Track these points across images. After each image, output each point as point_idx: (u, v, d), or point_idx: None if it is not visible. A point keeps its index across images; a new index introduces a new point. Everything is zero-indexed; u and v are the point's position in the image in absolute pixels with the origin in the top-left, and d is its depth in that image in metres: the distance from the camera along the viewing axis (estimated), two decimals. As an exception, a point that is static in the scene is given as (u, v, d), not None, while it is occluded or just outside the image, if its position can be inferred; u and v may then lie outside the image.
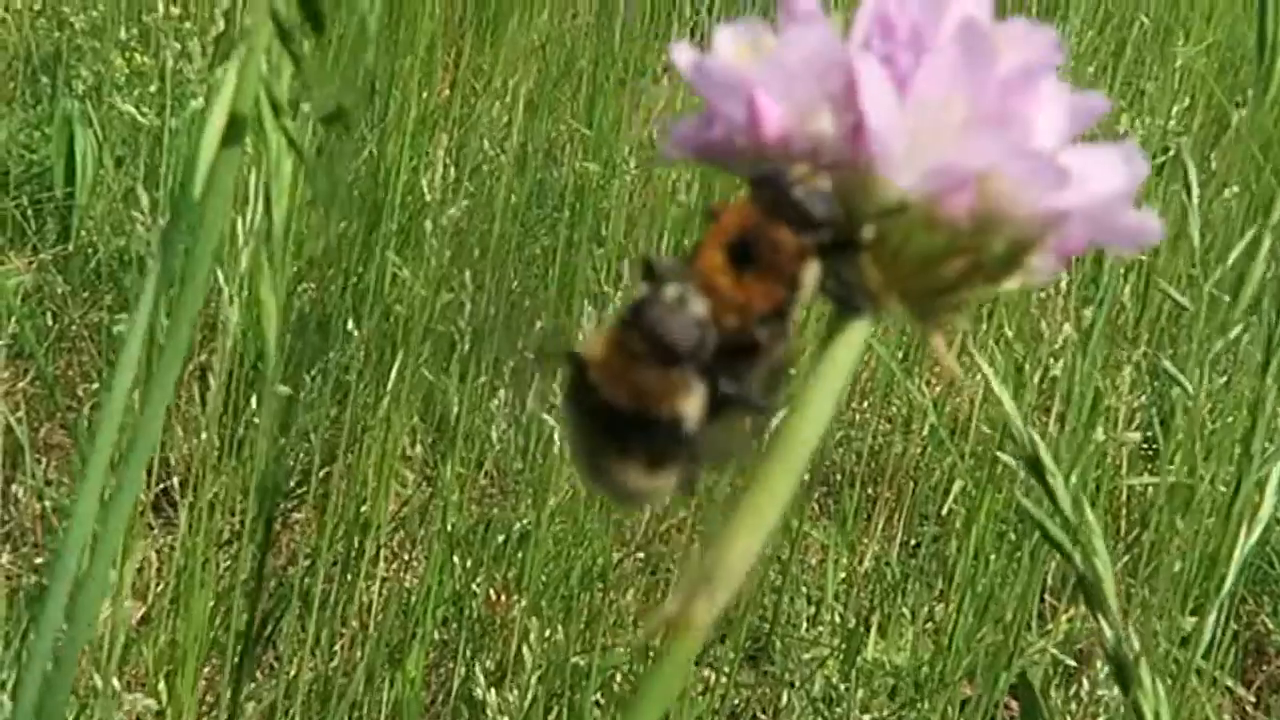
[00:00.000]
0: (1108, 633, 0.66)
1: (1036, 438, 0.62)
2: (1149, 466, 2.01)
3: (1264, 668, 1.88)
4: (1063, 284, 1.67)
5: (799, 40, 0.32)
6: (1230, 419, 1.74)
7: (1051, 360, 1.63)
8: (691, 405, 0.33)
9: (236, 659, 1.27)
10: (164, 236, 0.53)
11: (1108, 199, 0.32)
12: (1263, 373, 0.87)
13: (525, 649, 1.54)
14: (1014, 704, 1.69)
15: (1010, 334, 1.87)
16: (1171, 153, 2.23)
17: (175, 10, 1.98)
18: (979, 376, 2.09)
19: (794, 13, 0.33)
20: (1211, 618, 0.90)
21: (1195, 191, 0.98)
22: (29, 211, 2.04)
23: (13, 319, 1.78)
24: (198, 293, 0.54)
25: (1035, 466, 0.64)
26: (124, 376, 0.55)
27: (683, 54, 0.34)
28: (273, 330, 0.60)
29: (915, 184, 0.31)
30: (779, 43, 0.32)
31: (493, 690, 1.44)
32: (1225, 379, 1.97)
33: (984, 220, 0.32)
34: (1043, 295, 1.90)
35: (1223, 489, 1.63)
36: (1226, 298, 0.92)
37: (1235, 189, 1.88)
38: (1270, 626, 1.89)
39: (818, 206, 0.32)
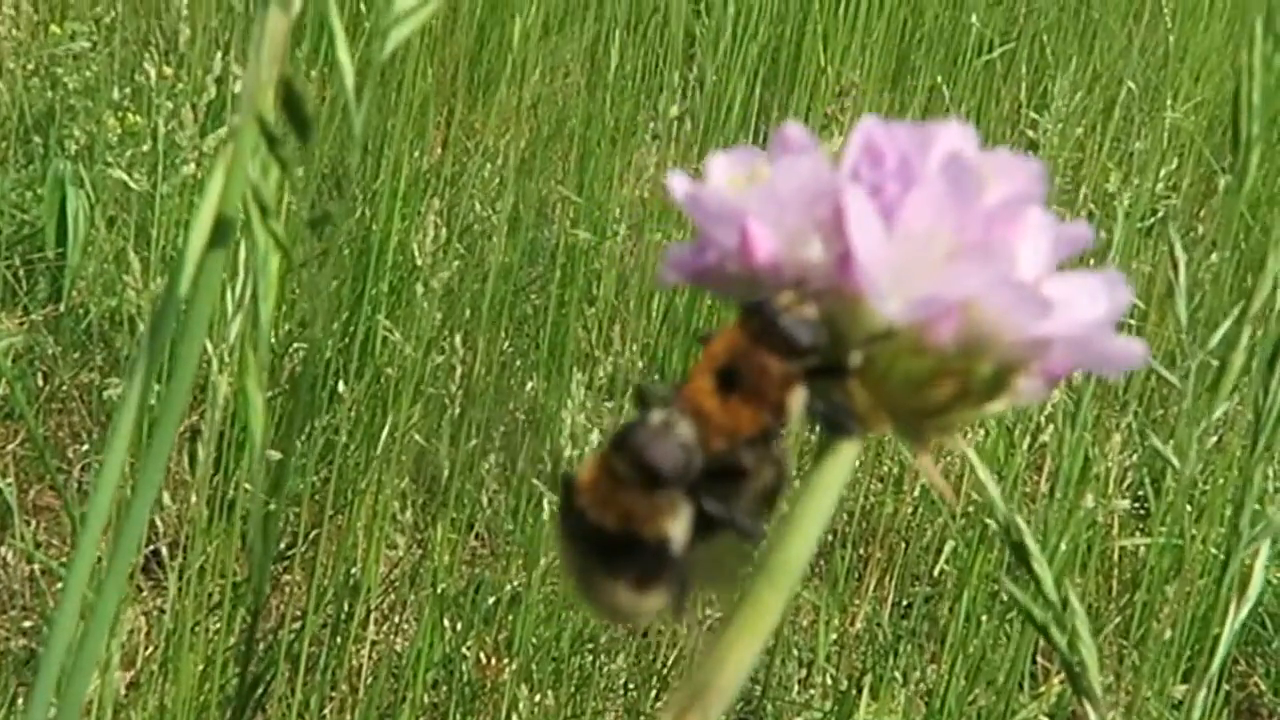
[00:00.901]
0: (1093, 716, 0.66)
1: (1021, 523, 0.62)
2: (1140, 527, 2.01)
3: (1257, 729, 1.88)
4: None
5: (790, 170, 0.33)
6: (1221, 480, 1.75)
7: (1043, 420, 1.63)
8: (677, 527, 0.34)
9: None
10: (151, 328, 0.53)
11: (1090, 326, 0.33)
12: (1251, 450, 0.87)
13: (515, 713, 1.54)
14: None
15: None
16: (1160, 214, 2.25)
17: (168, 71, 1.99)
18: (970, 438, 2.09)
19: (787, 143, 0.34)
20: (1203, 693, 0.90)
21: (1182, 265, 0.99)
22: (20, 271, 2.04)
23: (3, 380, 1.79)
24: (183, 395, 0.54)
25: (1020, 552, 0.64)
26: (115, 460, 0.55)
27: (679, 184, 0.34)
28: (259, 426, 0.60)
29: (901, 312, 0.32)
30: (771, 172, 0.33)
31: (483, 757, 1.44)
32: (1216, 438, 1.97)
33: (970, 346, 0.32)
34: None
35: (1214, 550, 1.63)
36: (1215, 362, 0.92)
37: (1225, 252, 1.89)
38: (1263, 688, 1.88)
39: (804, 334, 0.33)
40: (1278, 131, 2.40)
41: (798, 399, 0.34)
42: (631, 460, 0.34)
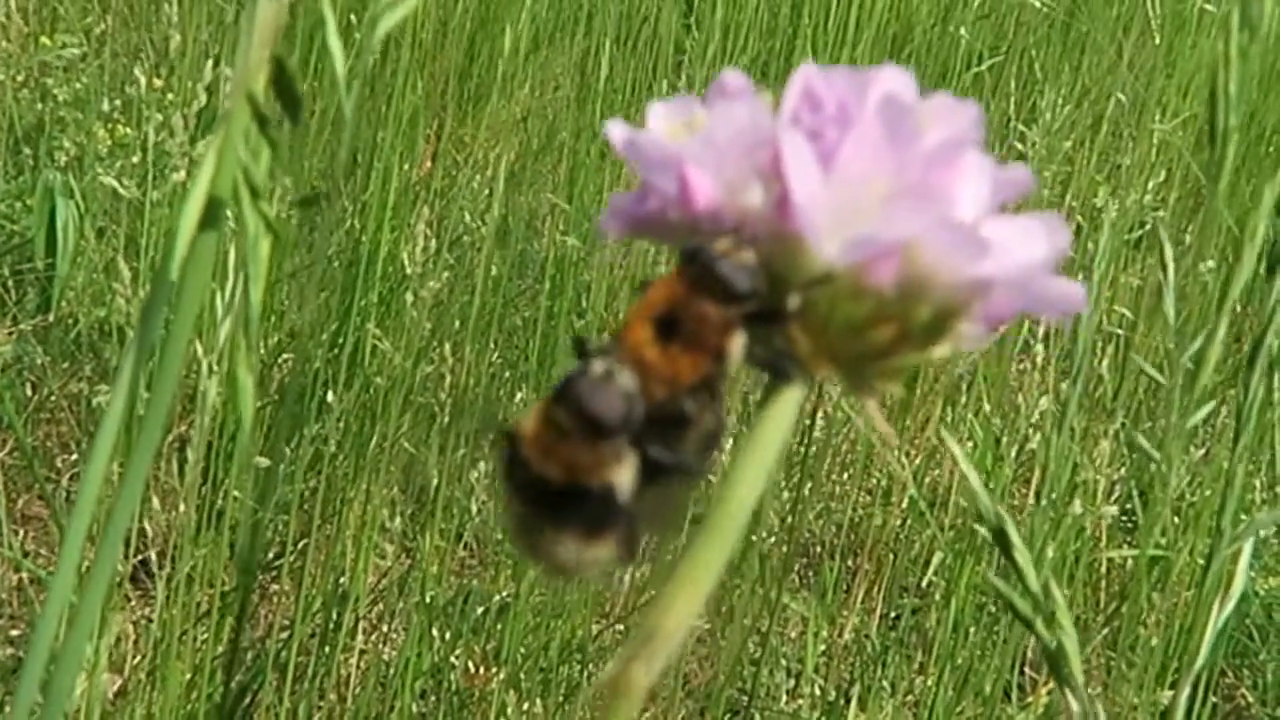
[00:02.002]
0: (1075, 707, 0.66)
1: (1004, 513, 0.63)
2: (1128, 539, 2.01)
3: (1245, 741, 1.88)
4: (1039, 358, 1.68)
5: (728, 116, 0.33)
6: (1209, 492, 1.75)
7: (1031, 431, 1.63)
8: (623, 475, 0.34)
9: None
10: (143, 314, 0.53)
11: (1030, 268, 0.33)
12: (1233, 447, 0.87)
13: (503, 721, 1.54)
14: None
15: (988, 408, 1.88)
16: (1148, 226, 2.25)
17: (158, 83, 2.00)
18: (957, 443, 2.09)
19: (725, 90, 0.34)
20: (1185, 692, 0.90)
21: (1171, 269, 0.99)
22: (9, 282, 2.04)
23: (-8, 390, 1.79)
24: (174, 372, 0.54)
25: (1003, 541, 0.65)
26: (102, 451, 0.55)
27: (617, 130, 0.35)
28: (249, 409, 0.60)
29: (839, 255, 0.32)
30: (709, 119, 0.33)
31: (468, 763, 1.43)
32: (1204, 451, 1.98)
33: (909, 289, 0.32)
34: (1020, 369, 1.91)
35: (1200, 561, 1.63)
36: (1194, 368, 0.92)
37: (1212, 263, 1.89)
38: (1250, 700, 1.88)
39: (741, 279, 0.33)
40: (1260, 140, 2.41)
41: (737, 345, 0.34)
42: (573, 411, 0.34)
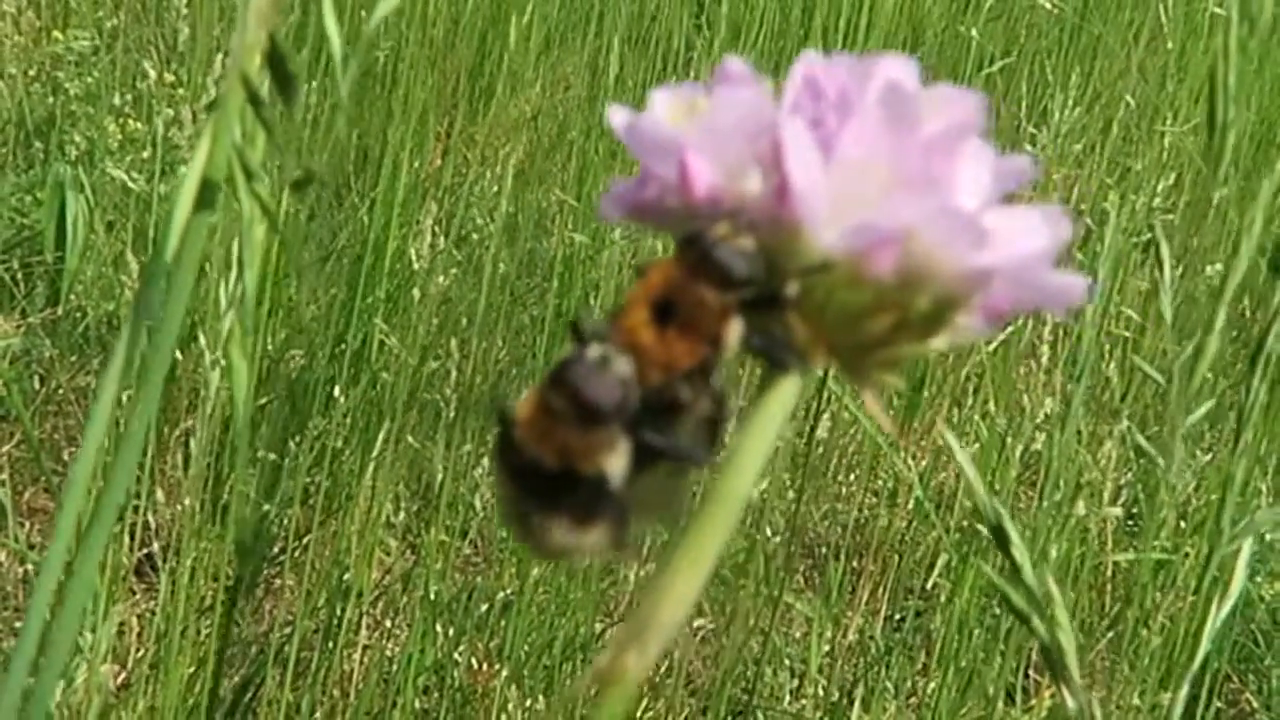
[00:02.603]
0: (1070, 702, 0.66)
1: (1001, 508, 0.62)
2: (1134, 543, 2.01)
3: (1249, 746, 1.88)
4: (1045, 359, 1.68)
5: (730, 102, 0.33)
6: (1214, 496, 1.75)
7: (1036, 434, 1.63)
8: (616, 463, 0.34)
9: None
10: (137, 297, 0.53)
11: (1029, 259, 0.33)
12: (1233, 447, 0.87)
13: (506, 719, 1.54)
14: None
15: (994, 409, 1.88)
16: (1157, 227, 2.24)
17: (169, 77, 2.00)
18: (962, 444, 2.09)
19: (727, 76, 0.34)
20: (1183, 691, 0.90)
21: (1168, 268, 0.99)
22: (19, 275, 2.05)
23: (0, 382, 1.79)
24: (167, 351, 0.54)
25: (1000, 536, 0.64)
26: (95, 434, 0.55)
27: (618, 115, 0.35)
28: (243, 391, 0.61)
29: (838, 242, 0.32)
30: (710, 105, 0.33)
31: (470, 759, 1.43)
32: (1210, 456, 1.97)
33: (908, 278, 0.32)
34: (1026, 371, 1.91)
35: (1215, 572, 1.63)
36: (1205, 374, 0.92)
37: (1219, 266, 1.89)
38: (1255, 704, 1.88)
39: (739, 265, 0.33)
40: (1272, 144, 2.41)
41: (734, 331, 0.34)
42: (568, 396, 0.34)
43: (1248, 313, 2.14)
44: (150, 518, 1.71)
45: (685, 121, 0.33)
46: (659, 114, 0.34)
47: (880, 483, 2.09)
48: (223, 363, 1.28)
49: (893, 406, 2.11)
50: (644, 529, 0.36)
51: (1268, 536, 1.92)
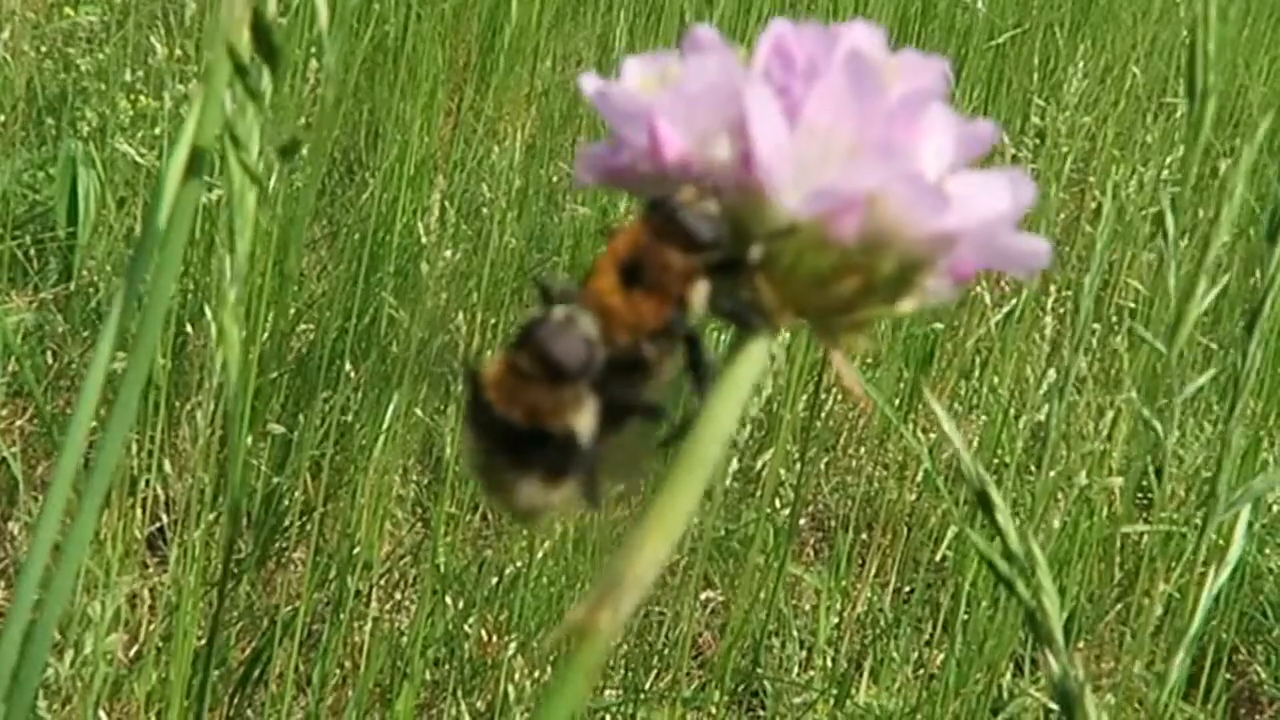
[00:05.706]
0: (1053, 664, 0.67)
1: (985, 474, 0.63)
2: (1144, 516, 2.01)
3: (1257, 717, 1.88)
4: (1049, 331, 1.68)
5: (699, 70, 0.33)
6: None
7: (1042, 405, 1.63)
8: (584, 420, 0.35)
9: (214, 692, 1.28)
10: (129, 263, 0.54)
11: (992, 222, 0.34)
12: (1229, 413, 0.88)
13: (514, 689, 1.55)
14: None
15: (997, 382, 1.88)
16: (1168, 202, 2.24)
17: (179, 53, 2.01)
18: (974, 424, 2.10)
19: (697, 43, 0.34)
20: (1180, 655, 0.90)
21: (1173, 238, 0.99)
22: (31, 250, 2.06)
23: (13, 357, 1.80)
24: (157, 319, 0.55)
25: (984, 502, 0.65)
26: (89, 398, 0.56)
27: (590, 83, 0.35)
28: (235, 359, 0.61)
29: (801, 206, 0.33)
30: (680, 73, 0.34)
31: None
32: (1219, 428, 1.97)
33: (872, 242, 0.33)
34: (1031, 342, 1.91)
35: (1213, 536, 1.63)
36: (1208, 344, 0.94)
37: (1225, 238, 1.88)
38: (1262, 676, 1.88)
39: (704, 228, 0.34)
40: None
41: (700, 293, 0.34)
42: (534, 355, 0.35)
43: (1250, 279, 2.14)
44: (160, 491, 1.72)
45: (657, 89, 0.34)
46: (631, 82, 0.35)
47: (890, 456, 2.09)
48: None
49: (901, 380, 2.11)
50: (612, 487, 0.36)
51: (1277, 508, 1.93)
